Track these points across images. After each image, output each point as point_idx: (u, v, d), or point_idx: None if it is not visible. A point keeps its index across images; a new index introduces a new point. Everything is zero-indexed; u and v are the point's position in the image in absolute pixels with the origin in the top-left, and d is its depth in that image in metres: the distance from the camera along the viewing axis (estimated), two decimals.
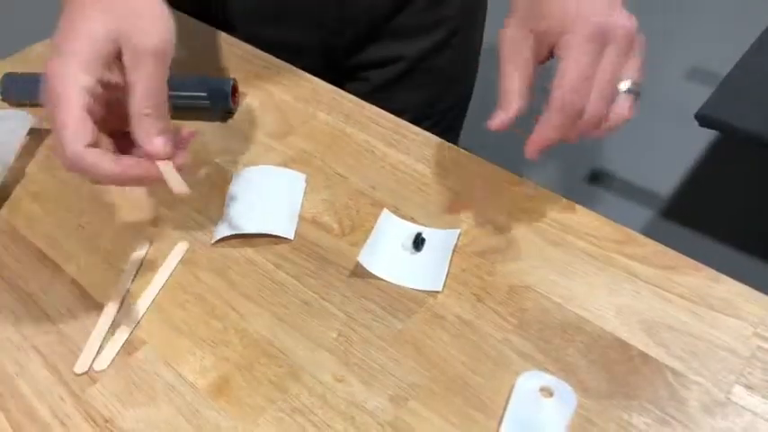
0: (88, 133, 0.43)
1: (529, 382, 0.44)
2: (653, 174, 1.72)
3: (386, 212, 0.54)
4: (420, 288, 0.50)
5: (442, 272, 0.50)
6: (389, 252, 0.52)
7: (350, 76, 0.81)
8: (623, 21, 0.46)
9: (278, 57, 0.72)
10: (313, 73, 0.70)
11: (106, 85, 0.45)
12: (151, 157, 0.46)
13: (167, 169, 0.46)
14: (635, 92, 0.48)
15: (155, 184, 0.46)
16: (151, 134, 0.45)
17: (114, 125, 0.46)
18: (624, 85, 0.47)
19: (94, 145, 0.44)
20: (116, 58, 0.44)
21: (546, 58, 0.49)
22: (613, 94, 0.46)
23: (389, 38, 0.78)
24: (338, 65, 0.79)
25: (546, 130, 0.47)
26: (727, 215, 1.61)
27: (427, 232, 0.53)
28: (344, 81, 0.80)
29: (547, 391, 0.43)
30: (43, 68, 0.44)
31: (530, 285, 0.49)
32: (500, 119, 0.48)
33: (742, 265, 1.49)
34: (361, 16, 0.75)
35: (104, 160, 0.44)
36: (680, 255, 0.50)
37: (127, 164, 0.45)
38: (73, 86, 0.43)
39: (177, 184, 0.46)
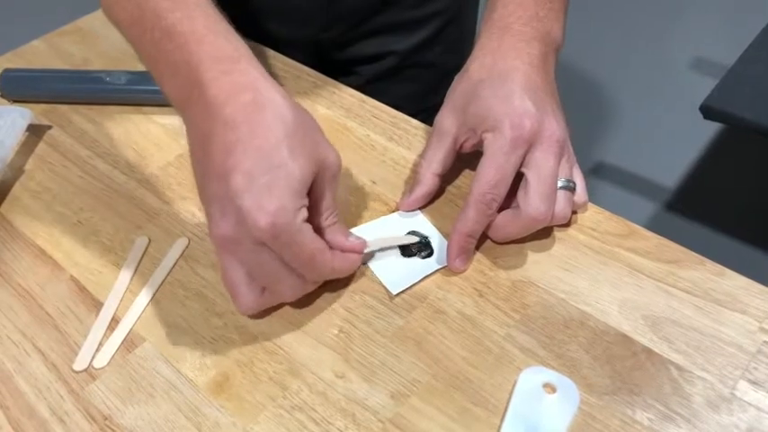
0: (327, 248, 0.45)
1: (531, 377, 0.43)
2: (657, 166, 1.71)
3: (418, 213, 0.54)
4: (381, 280, 0.49)
5: (410, 280, 0.49)
6: (385, 238, 0.52)
7: (342, 70, 0.80)
8: (551, 127, 0.48)
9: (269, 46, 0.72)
10: (307, 66, 0.70)
11: None
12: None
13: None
14: (570, 188, 0.49)
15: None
16: (345, 235, 0.47)
17: None
18: (559, 182, 0.49)
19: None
20: None
21: (476, 146, 0.51)
22: (552, 193, 0.48)
23: (379, 33, 0.77)
24: (329, 59, 0.79)
25: (463, 224, 0.48)
26: (732, 208, 1.60)
27: (436, 242, 0.52)
28: (337, 75, 0.80)
29: (550, 387, 0.43)
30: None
31: (532, 281, 0.49)
32: (415, 195, 0.53)
33: (748, 258, 1.49)
34: (349, 12, 0.75)
35: (345, 260, 0.47)
36: (684, 248, 0.50)
37: (354, 257, 0.48)
38: (300, 225, 0.42)
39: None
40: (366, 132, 0.62)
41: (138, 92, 0.65)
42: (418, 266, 0.50)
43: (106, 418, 0.43)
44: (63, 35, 0.77)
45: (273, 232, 0.41)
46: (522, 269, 0.50)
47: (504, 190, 0.48)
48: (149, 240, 0.54)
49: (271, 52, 0.72)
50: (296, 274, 0.44)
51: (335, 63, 0.79)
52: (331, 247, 0.46)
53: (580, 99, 1.86)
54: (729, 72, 1.22)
